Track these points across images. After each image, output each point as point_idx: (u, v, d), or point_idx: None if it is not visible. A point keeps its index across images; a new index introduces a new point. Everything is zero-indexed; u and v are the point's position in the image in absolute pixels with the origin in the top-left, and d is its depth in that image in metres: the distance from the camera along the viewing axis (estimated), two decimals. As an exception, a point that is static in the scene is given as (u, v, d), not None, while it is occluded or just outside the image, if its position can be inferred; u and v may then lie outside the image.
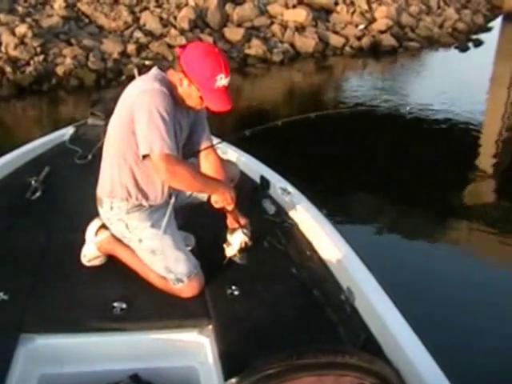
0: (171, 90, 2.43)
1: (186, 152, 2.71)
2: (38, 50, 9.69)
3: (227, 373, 2.04)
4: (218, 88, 2.38)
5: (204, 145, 2.75)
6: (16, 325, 2.33)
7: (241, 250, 2.69)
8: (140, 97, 2.36)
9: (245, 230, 2.71)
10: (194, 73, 2.37)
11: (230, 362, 2.13)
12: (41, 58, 9.54)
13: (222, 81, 2.37)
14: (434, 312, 3.79)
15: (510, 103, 10.30)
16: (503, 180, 6.62)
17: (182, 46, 2.47)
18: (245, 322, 2.39)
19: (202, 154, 2.77)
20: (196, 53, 2.40)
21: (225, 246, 2.73)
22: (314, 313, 2.46)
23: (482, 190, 6.38)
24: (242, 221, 2.73)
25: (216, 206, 2.62)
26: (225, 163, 2.87)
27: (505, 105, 10.18)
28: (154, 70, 2.49)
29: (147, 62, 9.23)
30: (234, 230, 2.72)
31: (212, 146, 2.79)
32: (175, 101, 2.44)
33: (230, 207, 2.62)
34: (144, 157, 2.36)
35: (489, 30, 16.19)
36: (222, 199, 2.58)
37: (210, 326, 2.39)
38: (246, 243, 2.68)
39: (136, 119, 2.37)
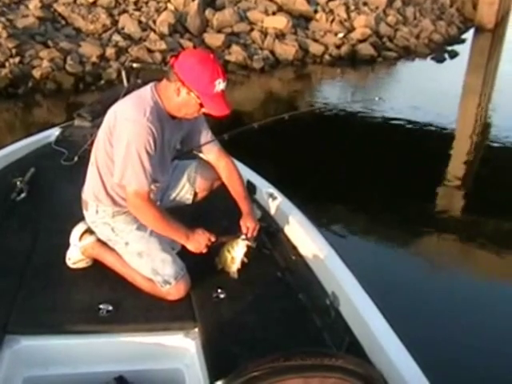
0: (161, 111, 2.42)
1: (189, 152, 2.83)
2: (14, 51, 9.38)
3: (213, 375, 2.07)
4: (216, 93, 2.38)
5: (204, 145, 2.78)
6: (1, 326, 2.31)
7: (247, 253, 2.68)
8: (125, 124, 2.38)
9: (243, 237, 2.68)
10: (193, 80, 2.35)
11: (215, 365, 2.15)
12: (16, 59, 9.25)
13: (221, 85, 2.37)
14: (416, 316, 3.87)
15: (480, 113, 10.44)
16: (473, 188, 6.77)
17: (175, 56, 2.44)
18: (230, 324, 2.43)
19: (213, 159, 2.83)
20: (192, 60, 2.38)
21: (229, 264, 2.68)
22: (299, 316, 2.49)
23: (454, 199, 6.51)
24: (235, 234, 2.70)
25: (195, 251, 2.59)
26: (237, 168, 2.88)
27: (475, 115, 10.33)
28: (148, 90, 2.46)
29: (135, 65, 8.99)
30: (232, 243, 2.67)
31: (211, 142, 2.79)
32: (165, 119, 2.44)
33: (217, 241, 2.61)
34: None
35: (463, 41, 16.40)
36: (195, 246, 2.57)
37: (196, 329, 2.41)
38: (249, 246, 2.67)
39: (114, 144, 2.42)
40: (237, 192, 2.82)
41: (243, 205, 2.80)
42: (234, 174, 2.83)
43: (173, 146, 2.64)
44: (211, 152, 2.82)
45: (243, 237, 2.68)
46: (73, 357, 2.38)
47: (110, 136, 2.44)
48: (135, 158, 2.35)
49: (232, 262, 2.67)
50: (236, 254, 2.66)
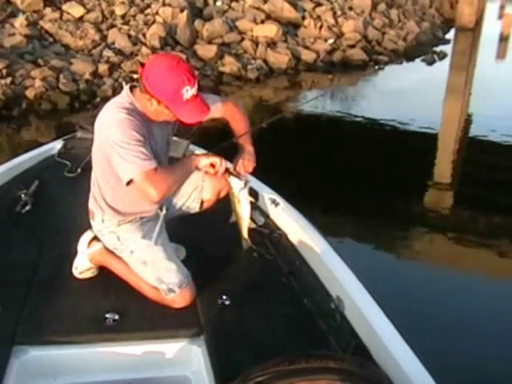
0: (140, 113, 2.39)
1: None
2: (4, 72, 9.04)
3: (220, 381, 2.08)
4: (187, 100, 2.31)
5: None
6: (9, 337, 2.34)
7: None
8: (107, 129, 2.35)
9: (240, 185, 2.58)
10: (159, 92, 2.30)
11: (222, 371, 2.16)
12: (8, 80, 8.89)
13: (189, 92, 2.30)
14: (422, 318, 3.84)
15: (463, 114, 10.45)
16: (458, 187, 6.82)
17: (142, 65, 2.39)
18: (236, 331, 2.44)
19: (221, 114, 2.73)
20: (155, 71, 2.31)
21: (238, 211, 2.58)
22: (305, 321, 2.50)
23: (440, 199, 6.54)
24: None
25: (212, 170, 2.56)
26: (239, 109, 2.82)
27: (459, 115, 10.36)
28: (123, 94, 2.44)
29: (135, 76, 8.82)
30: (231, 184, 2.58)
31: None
32: (146, 121, 2.41)
33: (219, 164, 2.54)
34: (128, 183, 2.34)
35: (448, 42, 16.50)
36: (208, 166, 2.54)
37: (202, 336, 2.42)
38: (246, 182, 2.58)
39: (108, 153, 2.37)
40: (239, 131, 2.74)
41: (241, 143, 2.70)
42: (236, 114, 2.77)
43: (166, 142, 2.61)
44: (217, 110, 2.70)
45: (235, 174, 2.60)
46: (80, 366, 2.39)
47: (100, 147, 2.42)
48: (125, 150, 2.28)
49: (239, 204, 2.57)
50: (236, 191, 2.56)
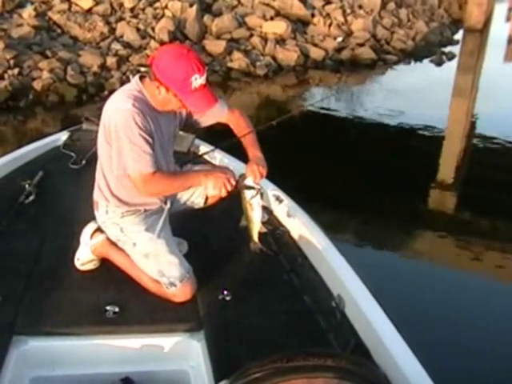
0: (148, 102, 2.40)
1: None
2: (12, 62, 9.00)
3: (218, 377, 2.06)
4: (195, 89, 2.32)
5: (214, 116, 2.71)
6: (8, 327, 2.34)
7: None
8: (113, 116, 2.37)
9: (249, 179, 2.55)
10: (168, 80, 2.32)
11: (221, 366, 2.16)
12: (15, 71, 8.86)
13: (198, 81, 2.31)
14: (422, 318, 3.85)
15: (470, 114, 10.41)
16: (463, 188, 6.80)
17: (152, 55, 2.45)
18: (236, 326, 2.44)
19: (226, 121, 2.76)
20: (165, 59, 2.34)
21: (249, 214, 2.55)
22: (305, 318, 2.51)
23: (444, 199, 6.56)
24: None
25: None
26: (244, 116, 2.81)
27: (465, 116, 10.32)
28: (133, 82, 2.45)
29: (143, 69, 8.82)
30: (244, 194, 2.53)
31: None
32: (154, 111, 2.42)
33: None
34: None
35: (457, 42, 16.38)
36: (214, 182, 2.50)
37: (202, 331, 2.43)
38: (258, 190, 2.56)
39: (112, 141, 2.39)
40: (244, 138, 2.74)
41: (250, 150, 2.69)
42: (241, 121, 2.77)
43: (172, 134, 2.63)
44: (223, 117, 2.75)
45: (249, 179, 2.56)
46: (79, 358, 2.40)
47: (106, 134, 2.43)
48: (129, 144, 2.32)
49: (251, 209, 2.54)
50: (249, 197, 2.54)
